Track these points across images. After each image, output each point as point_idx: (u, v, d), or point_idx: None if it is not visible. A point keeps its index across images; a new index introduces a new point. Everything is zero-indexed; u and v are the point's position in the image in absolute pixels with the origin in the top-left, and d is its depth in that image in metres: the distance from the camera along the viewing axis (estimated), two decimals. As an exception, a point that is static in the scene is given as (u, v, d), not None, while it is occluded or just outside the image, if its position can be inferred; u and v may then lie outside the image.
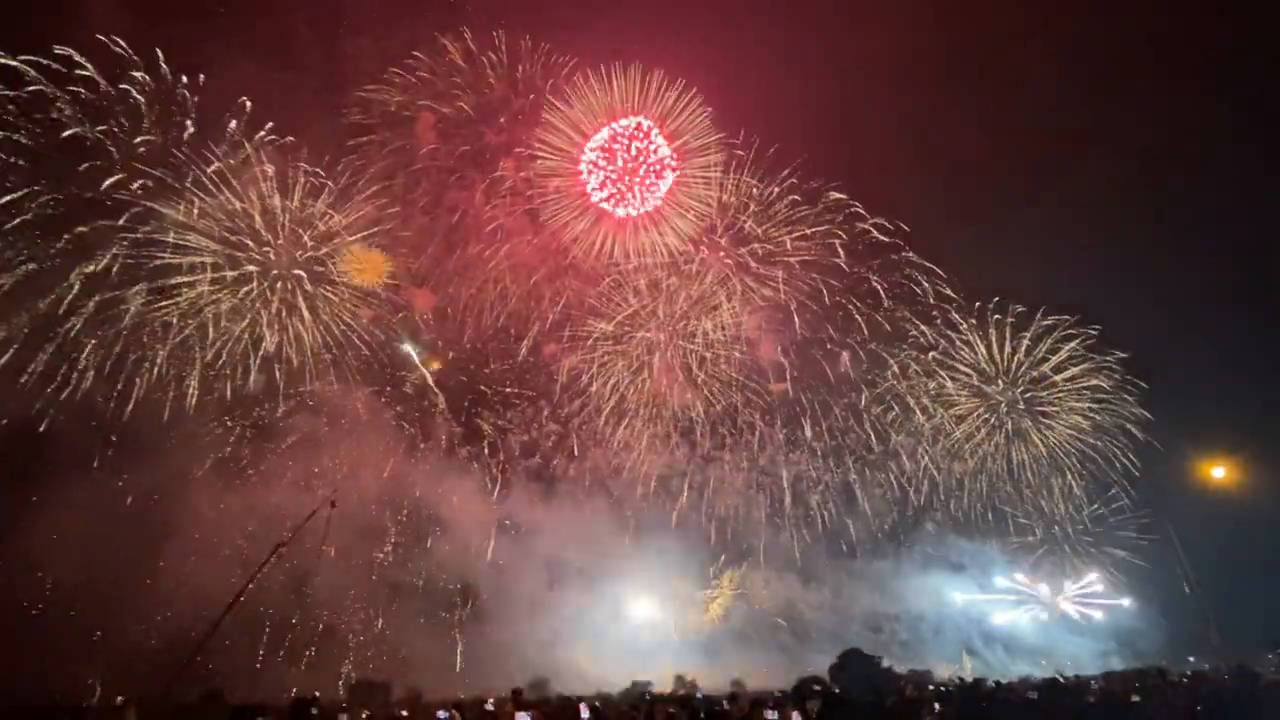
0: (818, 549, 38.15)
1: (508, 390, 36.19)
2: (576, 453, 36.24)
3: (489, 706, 9.62)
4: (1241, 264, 37.60)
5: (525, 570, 33.43)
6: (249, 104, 29.26)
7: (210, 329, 29.70)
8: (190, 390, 29.33)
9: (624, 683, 28.32)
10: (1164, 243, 37.47)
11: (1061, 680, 15.89)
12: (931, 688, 19.78)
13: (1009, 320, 38.10)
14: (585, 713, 10.07)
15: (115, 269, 27.95)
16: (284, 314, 31.03)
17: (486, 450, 35.49)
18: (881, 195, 37.22)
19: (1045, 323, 38.04)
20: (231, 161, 29.30)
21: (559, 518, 34.80)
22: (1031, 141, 38.81)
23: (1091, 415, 37.19)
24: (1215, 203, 37.41)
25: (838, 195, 35.93)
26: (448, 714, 9.02)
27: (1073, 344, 37.72)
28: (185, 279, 29.08)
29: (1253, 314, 37.71)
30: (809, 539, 37.91)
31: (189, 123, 28.71)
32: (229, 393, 30.19)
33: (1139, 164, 37.39)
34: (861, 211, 36.28)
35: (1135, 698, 14.37)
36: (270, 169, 29.78)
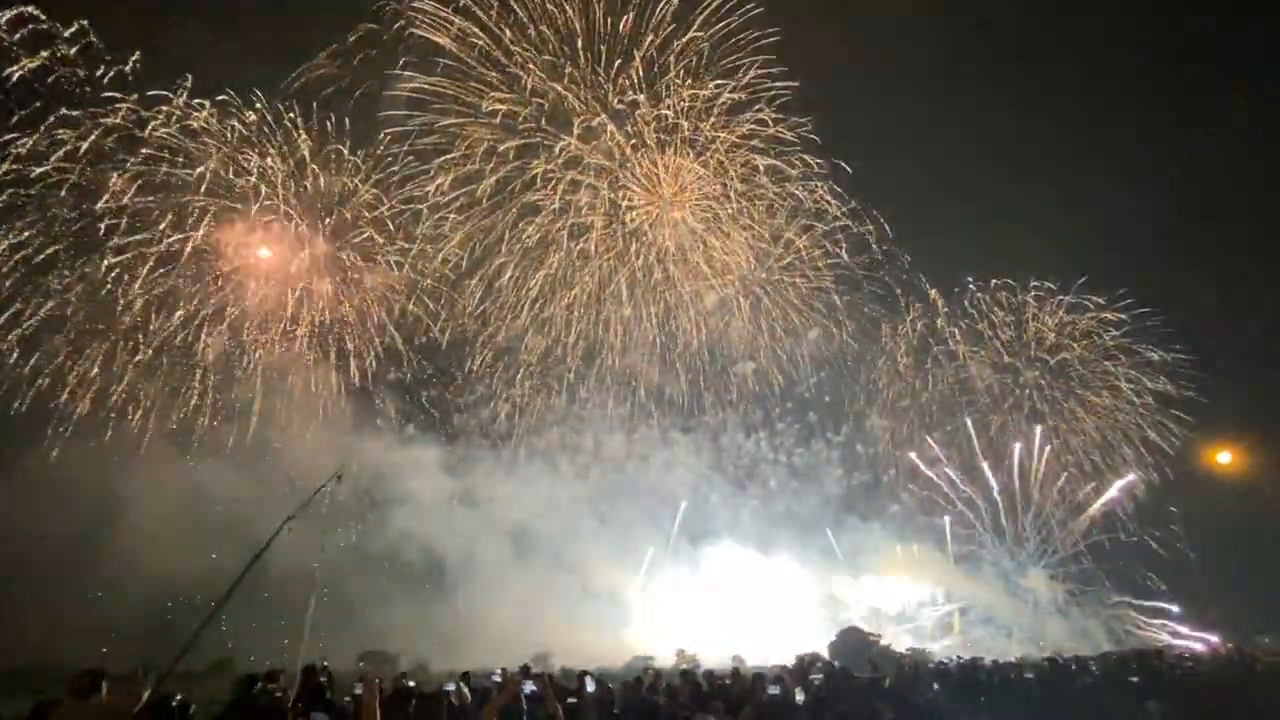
0: (785, 525, 38.30)
1: (465, 366, 35.76)
2: (536, 426, 36.06)
3: (496, 677, 9.73)
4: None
5: (490, 545, 33.66)
6: (190, 79, 28.61)
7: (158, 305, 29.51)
8: (136, 367, 29.20)
9: (625, 658, 28.75)
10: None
11: (1060, 660, 15.99)
12: (930, 665, 19.97)
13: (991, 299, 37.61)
14: (591, 685, 10.11)
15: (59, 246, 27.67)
16: (238, 287, 30.80)
17: (443, 423, 35.32)
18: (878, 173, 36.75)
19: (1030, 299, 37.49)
20: (179, 140, 28.78)
21: (519, 491, 34.88)
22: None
23: (1098, 394, 36.92)
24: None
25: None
26: (454, 685, 9.06)
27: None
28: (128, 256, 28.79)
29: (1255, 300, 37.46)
30: (772, 517, 38.01)
31: (132, 97, 28.04)
32: (182, 370, 30.13)
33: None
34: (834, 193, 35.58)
35: (1133, 678, 14.48)
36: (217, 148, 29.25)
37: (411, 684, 10.93)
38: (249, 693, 7.35)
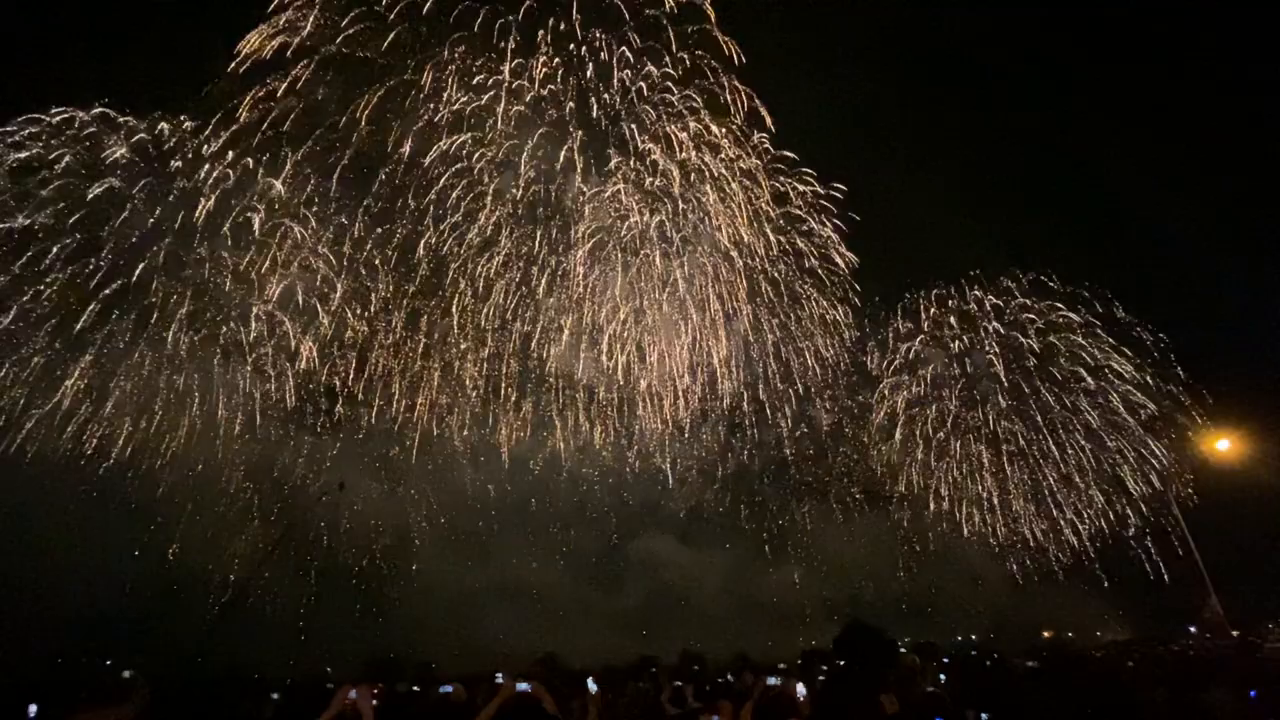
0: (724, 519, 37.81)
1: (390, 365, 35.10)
2: (466, 425, 35.48)
3: (499, 679, 9.73)
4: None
5: (431, 546, 33.45)
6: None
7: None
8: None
9: (630, 658, 28.74)
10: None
11: (1064, 651, 16.02)
12: (933, 660, 19.96)
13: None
14: (593, 686, 10.06)
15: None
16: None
17: (368, 422, 34.82)
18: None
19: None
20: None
21: (455, 492, 34.54)
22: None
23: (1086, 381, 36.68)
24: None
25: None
26: (451, 688, 9.01)
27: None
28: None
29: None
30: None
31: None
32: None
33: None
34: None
35: (1130, 663, 14.50)
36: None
37: (414, 689, 10.97)
38: (248, 701, 7.39)
